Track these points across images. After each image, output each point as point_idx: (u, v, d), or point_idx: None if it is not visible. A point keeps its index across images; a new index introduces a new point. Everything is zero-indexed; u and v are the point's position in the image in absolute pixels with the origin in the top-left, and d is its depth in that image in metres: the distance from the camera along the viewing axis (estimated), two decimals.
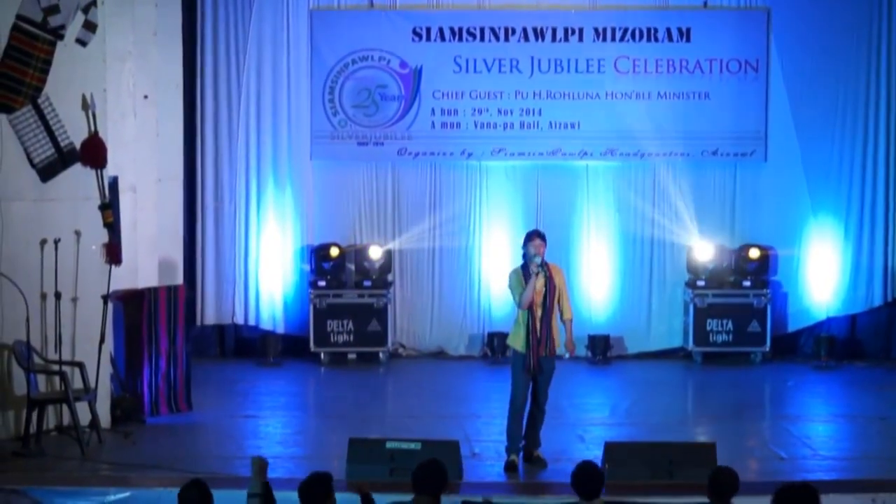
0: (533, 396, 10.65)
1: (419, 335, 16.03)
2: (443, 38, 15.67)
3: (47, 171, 11.55)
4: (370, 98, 15.72)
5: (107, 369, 11.91)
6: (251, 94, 15.66)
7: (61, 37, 11.52)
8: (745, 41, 15.63)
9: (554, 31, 15.66)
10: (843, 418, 12.87)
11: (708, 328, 15.43)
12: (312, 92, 15.72)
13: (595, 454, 10.51)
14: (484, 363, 15.54)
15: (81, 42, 11.66)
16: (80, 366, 11.44)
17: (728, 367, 15.21)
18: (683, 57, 15.64)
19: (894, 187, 15.64)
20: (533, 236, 10.67)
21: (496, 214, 15.88)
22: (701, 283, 15.50)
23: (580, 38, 15.65)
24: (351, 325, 15.42)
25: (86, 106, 11.63)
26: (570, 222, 15.88)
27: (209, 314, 15.73)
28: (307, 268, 15.77)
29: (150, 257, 12.71)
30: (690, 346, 15.54)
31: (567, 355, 10.80)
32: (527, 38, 15.65)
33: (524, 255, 10.64)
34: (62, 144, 11.59)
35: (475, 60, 15.68)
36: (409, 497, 7.40)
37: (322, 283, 15.47)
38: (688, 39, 15.64)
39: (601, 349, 15.50)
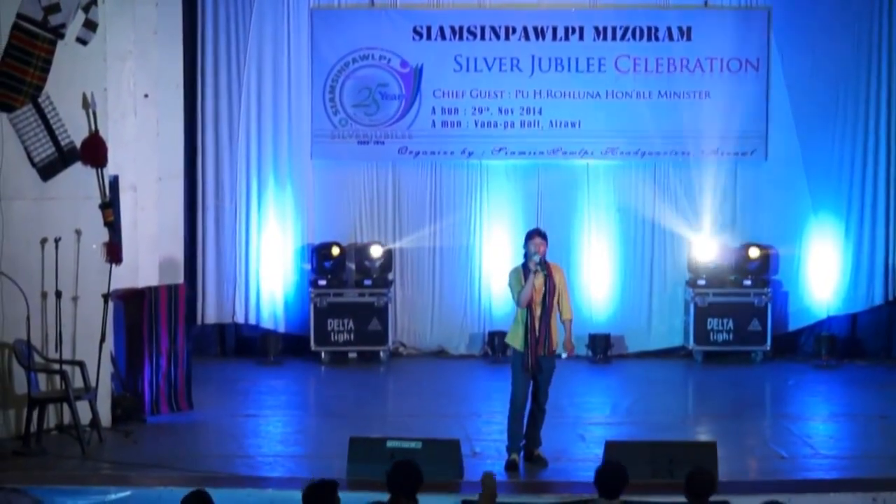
0: (533, 396, 10.65)
1: (420, 334, 16.03)
2: (443, 37, 15.66)
3: (48, 170, 11.55)
4: (371, 97, 15.72)
5: (107, 368, 11.91)
6: (252, 93, 15.66)
7: (62, 36, 11.52)
8: (745, 40, 15.62)
9: (554, 29, 15.65)
10: (844, 417, 12.86)
11: (708, 327, 15.42)
12: (313, 91, 15.72)
13: (595, 453, 10.53)
14: (484, 362, 15.54)
15: (82, 41, 11.66)
16: (81, 365, 11.44)
17: (729, 366, 15.21)
18: (684, 56, 15.63)
19: (895, 186, 15.64)
20: (533, 235, 10.67)
21: (497, 213, 15.88)
22: (701, 282, 15.49)
23: (581, 37, 15.64)
24: (351, 324, 15.41)
25: (86, 105, 11.62)
26: (571, 221, 15.87)
27: (210, 313, 15.73)
28: (308, 267, 15.76)
29: (150, 256, 12.70)
30: (691, 345, 15.54)
31: (565, 355, 10.77)
32: (527, 37, 15.65)
33: (525, 254, 10.64)
34: (63, 143, 11.59)
35: (476, 59, 15.67)
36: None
37: (322, 282, 15.47)
38: (688, 38, 15.63)
39: (602, 348, 15.49)
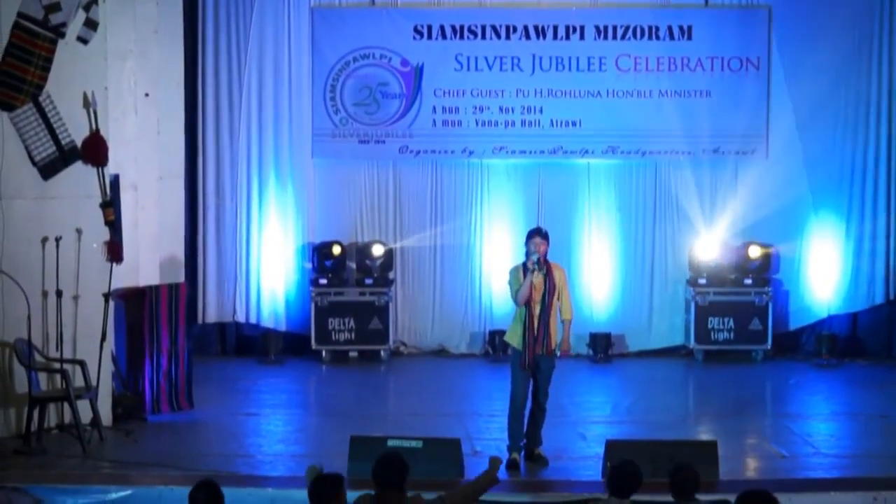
0: (533, 395, 10.66)
1: (420, 333, 16.03)
2: (444, 36, 15.66)
3: (48, 169, 11.55)
4: (371, 96, 15.72)
5: (108, 367, 11.91)
6: (252, 92, 15.66)
7: (62, 35, 11.52)
8: (746, 39, 15.62)
9: (555, 28, 15.66)
10: (845, 416, 12.86)
11: (709, 326, 15.43)
12: (314, 90, 15.72)
13: (596, 452, 10.54)
14: (485, 361, 15.54)
15: (82, 40, 11.66)
16: (82, 364, 11.44)
17: (729, 365, 15.21)
18: (685, 55, 15.63)
19: (895, 185, 15.64)
20: (533, 234, 10.68)
21: (497, 212, 15.88)
22: (702, 280, 15.50)
23: (581, 36, 15.64)
24: (352, 322, 15.42)
25: (87, 104, 11.63)
26: (572, 220, 15.88)
27: (210, 312, 15.73)
28: (308, 266, 15.77)
29: (151, 255, 12.70)
30: (692, 343, 15.54)
31: (558, 353, 10.72)
32: (528, 36, 15.65)
33: (526, 253, 10.65)
34: (63, 142, 11.59)
35: (476, 58, 15.67)
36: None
37: (323, 281, 15.47)
38: (689, 37, 15.63)
39: (602, 347, 15.50)
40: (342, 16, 15.73)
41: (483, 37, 15.65)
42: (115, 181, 12.13)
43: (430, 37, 15.67)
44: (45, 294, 11.40)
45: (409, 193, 15.94)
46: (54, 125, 11.53)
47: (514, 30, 15.65)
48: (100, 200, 11.80)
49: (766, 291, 15.42)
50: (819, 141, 15.66)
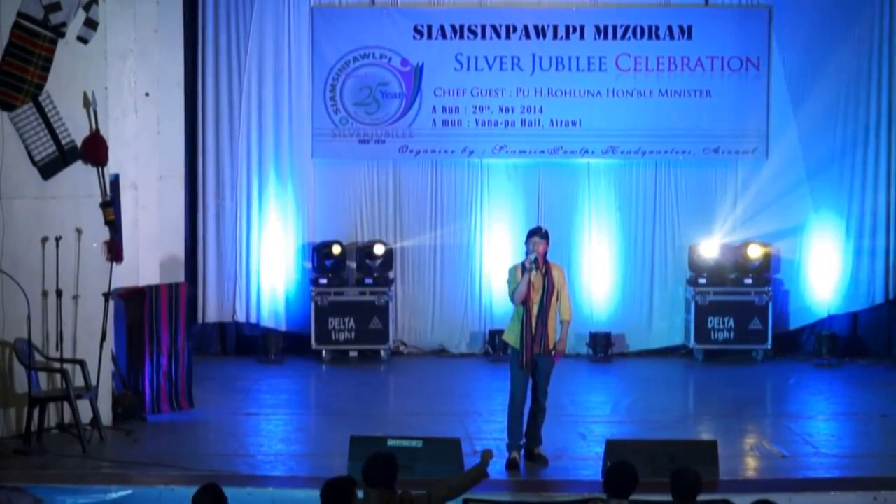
0: (533, 394, 10.65)
1: (420, 333, 16.03)
2: (444, 36, 15.66)
3: (48, 169, 11.55)
4: (371, 96, 15.72)
5: (108, 367, 11.91)
6: (252, 92, 15.66)
7: (62, 34, 11.52)
8: (746, 39, 15.62)
9: (555, 28, 15.65)
10: (845, 416, 12.87)
11: (709, 326, 15.43)
12: (314, 89, 15.72)
13: (596, 452, 10.54)
14: (485, 361, 15.54)
15: (82, 39, 11.66)
16: (82, 363, 11.44)
17: (729, 364, 15.21)
18: (685, 54, 15.63)
19: (895, 184, 15.64)
20: (533, 234, 10.67)
21: (497, 212, 15.88)
22: (702, 280, 15.49)
23: (581, 36, 15.64)
24: (352, 322, 15.42)
25: (87, 103, 11.62)
26: (572, 220, 15.88)
27: (210, 312, 15.73)
28: (309, 265, 15.77)
29: (151, 255, 12.70)
30: (692, 343, 15.54)
31: (553, 353, 10.70)
32: (528, 36, 15.65)
33: (526, 252, 10.65)
34: (63, 142, 11.59)
35: (476, 58, 15.67)
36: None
37: (323, 281, 15.47)
38: (689, 37, 15.63)
39: (602, 347, 15.49)
40: (342, 15, 15.73)
41: (483, 36, 15.65)
42: (115, 181, 12.13)
43: (430, 36, 15.67)
44: (45, 294, 11.39)
45: (409, 193, 15.94)
46: (54, 125, 11.53)
47: (514, 29, 15.65)
48: (100, 200, 11.79)
49: (766, 291, 15.41)
50: (819, 141, 15.66)
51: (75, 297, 11.61)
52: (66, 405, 11.41)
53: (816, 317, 15.81)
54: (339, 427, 11.55)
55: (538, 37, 15.65)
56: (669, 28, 15.63)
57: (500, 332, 14.81)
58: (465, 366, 15.36)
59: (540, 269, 10.52)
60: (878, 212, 15.63)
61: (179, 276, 13.11)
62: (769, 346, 15.42)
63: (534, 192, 15.91)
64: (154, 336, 12.36)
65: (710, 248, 15.58)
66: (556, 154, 15.75)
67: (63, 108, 11.56)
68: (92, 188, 11.74)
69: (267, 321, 15.80)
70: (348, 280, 15.66)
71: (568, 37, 15.65)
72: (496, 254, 15.67)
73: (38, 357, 11.29)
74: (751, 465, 10.86)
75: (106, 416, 11.75)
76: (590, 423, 12.25)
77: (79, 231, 11.60)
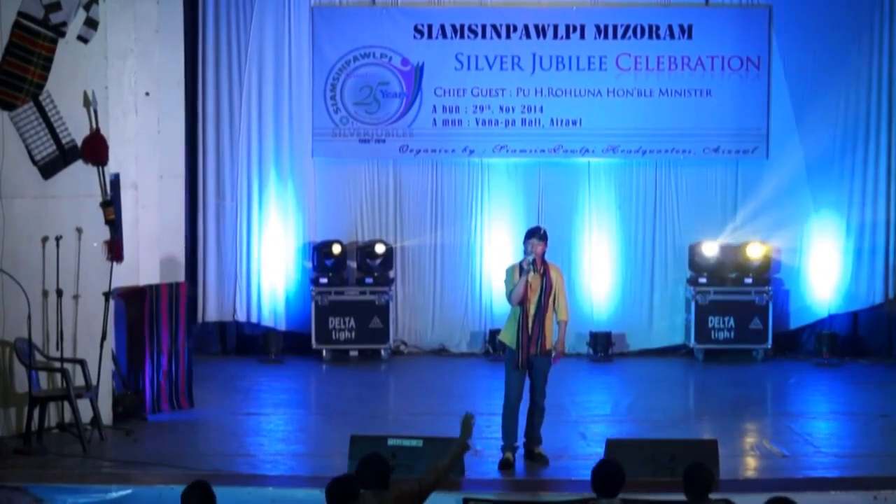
0: (531, 394, 10.66)
1: (421, 332, 16.04)
2: (444, 35, 15.67)
3: (49, 169, 11.55)
4: (372, 95, 15.72)
5: (108, 366, 11.91)
6: (253, 91, 15.66)
7: (63, 34, 11.52)
8: (746, 38, 15.63)
9: (556, 27, 15.66)
10: (845, 415, 12.86)
11: (709, 325, 15.43)
12: (314, 89, 15.72)
13: (596, 451, 10.53)
14: (485, 360, 15.54)
15: (83, 39, 11.66)
16: (82, 363, 11.45)
17: (730, 364, 15.21)
18: (685, 54, 15.63)
19: (895, 184, 15.64)
20: (531, 234, 10.66)
21: (497, 211, 15.89)
22: (703, 280, 15.50)
23: (582, 35, 15.65)
24: (353, 322, 15.42)
25: (87, 103, 11.62)
26: (572, 219, 15.88)
27: (211, 311, 15.74)
28: (309, 265, 15.77)
29: (151, 254, 12.70)
30: (692, 343, 15.54)
31: (553, 355, 10.70)
32: (528, 35, 15.65)
33: (525, 252, 10.64)
34: (63, 141, 11.59)
35: (477, 57, 15.68)
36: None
37: (324, 281, 15.47)
38: (689, 36, 15.64)
39: (603, 346, 15.50)
40: (342, 15, 15.74)
41: (483, 36, 15.66)
42: (116, 180, 12.13)
43: (430, 36, 15.67)
44: (45, 293, 11.40)
45: (410, 192, 15.94)
46: (55, 124, 11.53)
47: (515, 29, 15.65)
48: (100, 199, 11.80)
49: (767, 291, 15.42)
50: (819, 140, 15.66)
51: (76, 297, 11.61)
52: (66, 405, 11.41)
53: (817, 316, 15.81)
54: (339, 426, 11.56)
55: (538, 36, 15.65)
56: (670, 27, 15.63)
57: (501, 331, 14.85)
58: (466, 365, 15.37)
59: (538, 271, 10.52)
60: (878, 211, 15.63)
61: (180, 276, 13.11)
62: (769, 346, 15.43)
63: (534, 191, 15.91)
64: (154, 335, 12.36)
65: (710, 248, 15.58)
66: (556, 154, 15.76)
67: (63, 107, 11.56)
68: (92, 188, 11.74)
69: (267, 321, 15.80)
70: (348, 279, 15.67)
71: (568, 36, 15.65)
72: (496, 253, 15.67)
73: (38, 356, 11.30)
74: (751, 465, 10.86)
75: (106, 416, 11.76)
76: (590, 423, 12.26)
77: (79, 230, 11.60)
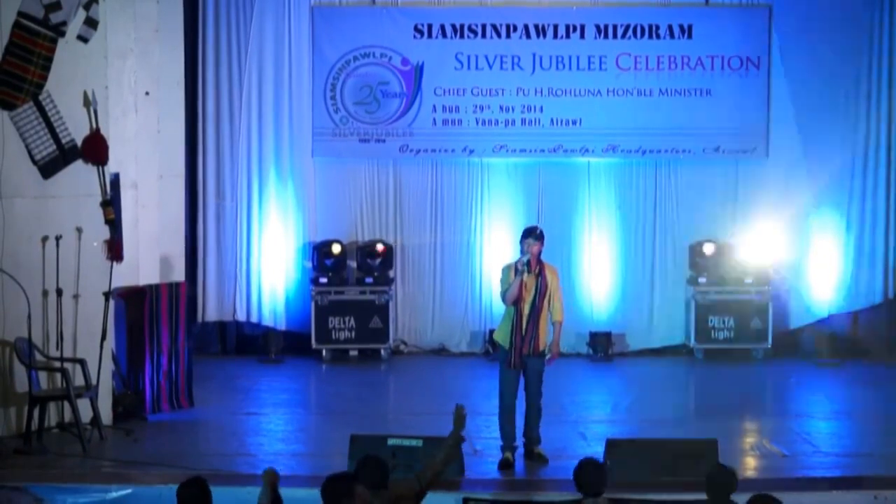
0: (526, 394, 10.66)
1: (421, 332, 16.04)
2: (444, 35, 15.67)
3: (49, 168, 11.55)
4: (371, 95, 15.72)
5: (108, 366, 11.91)
6: (253, 91, 15.66)
7: (63, 33, 11.52)
8: (746, 38, 15.63)
9: (555, 27, 15.66)
10: (845, 415, 12.86)
11: (710, 325, 15.43)
12: (314, 89, 15.72)
13: (596, 451, 10.52)
14: (485, 360, 15.52)
15: (83, 39, 11.66)
16: (82, 363, 11.44)
17: (730, 363, 15.21)
18: (685, 53, 15.64)
19: (895, 184, 15.64)
20: (527, 234, 10.65)
21: (497, 211, 15.89)
22: (702, 279, 15.50)
23: (582, 35, 15.65)
24: (352, 321, 15.42)
25: (87, 103, 11.62)
26: (572, 219, 15.88)
27: (211, 311, 15.74)
28: (309, 264, 15.77)
29: (151, 254, 12.70)
30: (692, 342, 15.54)
31: (548, 356, 10.69)
32: (528, 35, 15.65)
33: (521, 252, 10.64)
34: (63, 141, 11.59)
35: (476, 57, 15.68)
36: None
37: (324, 280, 15.47)
38: (689, 36, 15.64)
39: (603, 346, 15.50)
40: (342, 15, 15.74)
41: (483, 36, 15.66)
42: (116, 180, 12.13)
43: (430, 36, 15.67)
44: (45, 293, 11.39)
45: (410, 192, 15.94)
46: (54, 124, 11.53)
47: (515, 29, 15.65)
48: (100, 199, 11.79)
49: (767, 290, 15.42)
50: (819, 139, 15.66)
51: (75, 297, 11.61)
52: (66, 404, 11.41)
53: (816, 316, 15.81)
54: (339, 426, 11.55)
55: (538, 36, 15.65)
56: (670, 27, 15.63)
57: None
58: (466, 365, 15.36)
59: (533, 271, 10.51)
60: (877, 210, 15.64)
61: (180, 276, 13.11)
62: (769, 346, 15.43)
63: (534, 191, 15.91)
64: (154, 335, 12.36)
65: (710, 247, 15.58)
66: (556, 153, 15.76)
67: (63, 107, 11.56)
68: (92, 187, 11.74)
69: (267, 320, 15.80)
70: (348, 279, 15.67)
71: (568, 36, 15.65)
72: (496, 253, 15.65)
73: (38, 356, 11.29)
74: (751, 465, 10.85)
75: (106, 416, 11.75)
76: (590, 423, 12.25)
77: (79, 230, 11.60)
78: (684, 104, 15.65)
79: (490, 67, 15.68)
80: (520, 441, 10.72)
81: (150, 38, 12.61)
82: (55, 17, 11.45)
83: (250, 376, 14.57)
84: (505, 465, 10.49)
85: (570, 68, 15.67)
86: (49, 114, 11.50)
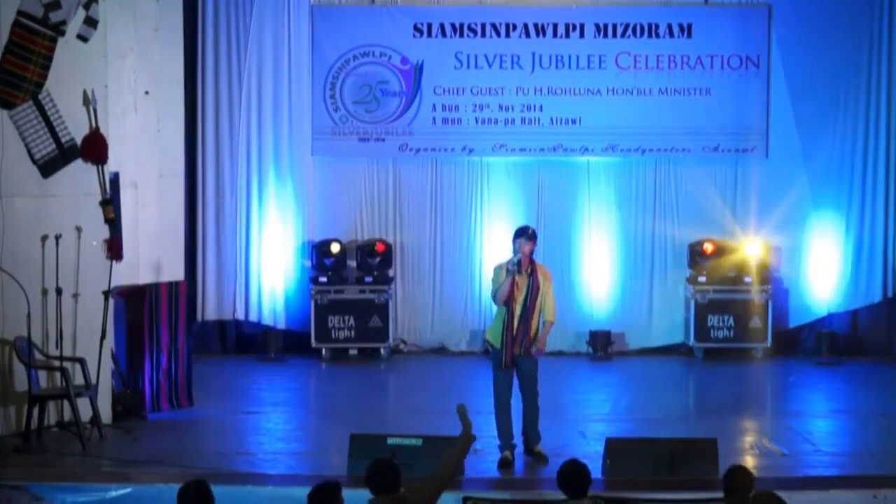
0: (521, 393, 10.67)
1: (420, 331, 16.04)
2: (444, 34, 15.67)
3: (48, 167, 11.55)
4: (371, 94, 15.72)
5: (108, 365, 11.91)
6: (252, 90, 15.66)
7: (62, 33, 11.52)
8: (746, 37, 15.63)
9: (555, 26, 15.66)
10: (845, 414, 12.87)
11: (709, 324, 15.43)
12: (313, 88, 15.72)
13: (596, 450, 10.54)
14: (485, 359, 15.43)
15: (82, 38, 11.66)
16: (82, 362, 11.45)
17: (729, 362, 15.21)
18: (685, 53, 15.63)
19: (895, 183, 15.64)
20: (520, 234, 10.66)
21: (497, 210, 15.88)
22: (702, 278, 15.50)
23: (581, 34, 15.65)
24: (352, 320, 15.42)
25: (87, 102, 11.63)
26: (571, 218, 15.89)
27: (210, 310, 15.73)
28: (308, 263, 15.77)
29: (151, 253, 12.69)
30: (691, 341, 15.54)
31: (534, 350, 10.67)
32: (528, 34, 15.65)
33: (514, 251, 10.65)
34: (63, 140, 11.59)
35: (476, 56, 15.68)
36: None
37: (323, 279, 15.47)
38: (689, 35, 15.64)
39: (602, 345, 15.49)
40: (342, 14, 15.74)
41: (483, 35, 15.66)
42: (115, 179, 12.13)
43: (429, 35, 15.68)
44: (44, 292, 11.40)
45: (409, 191, 15.95)
46: (54, 123, 11.53)
47: (514, 28, 15.65)
48: (100, 198, 11.80)
49: (766, 289, 15.42)
50: (819, 139, 15.66)
51: (75, 296, 11.62)
52: (65, 403, 11.41)
53: (816, 315, 15.81)
54: (338, 425, 11.55)
55: (538, 35, 15.65)
56: (669, 26, 15.63)
57: None
58: (465, 364, 15.36)
59: (525, 271, 10.51)
60: (877, 210, 15.63)
61: (179, 275, 13.09)
62: (769, 345, 15.43)
63: (533, 190, 15.91)
64: (154, 334, 12.36)
65: (709, 246, 15.57)
66: (555, 152, 15.76)
67: (63, 106, 11.56)
68: (92, 186, 11.75)
69: (267, 319, 15.80)
70: (348, 278, 15.66)
71: (568, 35, 15.66)
72: (496, 252, 15.59)
73: (37, 355, 11.30)
74: (750, 464, 10.82)
75: (106, 415, 11.76)
76: (590, 422, 12.25)
77: (79, 229, 11.60)
78: (684, 103, 15.65)
79: (490, 66, 15.68)
80: (518, 440, 10.72)
81: (149, 37, 12.60)
82: (55, 17, 11.45)
83: (250, 375, 14.57)
84: (504, 464, 10.49)
85: (569, 67, 15.67)
86: (49, 113, 11.50)
